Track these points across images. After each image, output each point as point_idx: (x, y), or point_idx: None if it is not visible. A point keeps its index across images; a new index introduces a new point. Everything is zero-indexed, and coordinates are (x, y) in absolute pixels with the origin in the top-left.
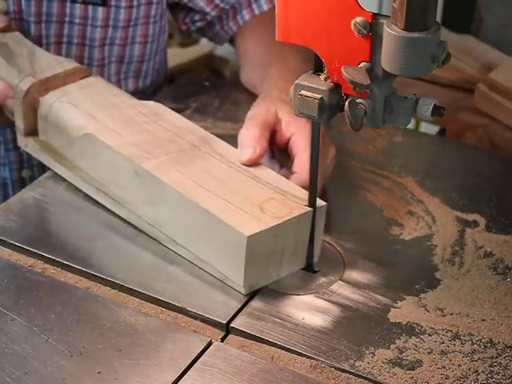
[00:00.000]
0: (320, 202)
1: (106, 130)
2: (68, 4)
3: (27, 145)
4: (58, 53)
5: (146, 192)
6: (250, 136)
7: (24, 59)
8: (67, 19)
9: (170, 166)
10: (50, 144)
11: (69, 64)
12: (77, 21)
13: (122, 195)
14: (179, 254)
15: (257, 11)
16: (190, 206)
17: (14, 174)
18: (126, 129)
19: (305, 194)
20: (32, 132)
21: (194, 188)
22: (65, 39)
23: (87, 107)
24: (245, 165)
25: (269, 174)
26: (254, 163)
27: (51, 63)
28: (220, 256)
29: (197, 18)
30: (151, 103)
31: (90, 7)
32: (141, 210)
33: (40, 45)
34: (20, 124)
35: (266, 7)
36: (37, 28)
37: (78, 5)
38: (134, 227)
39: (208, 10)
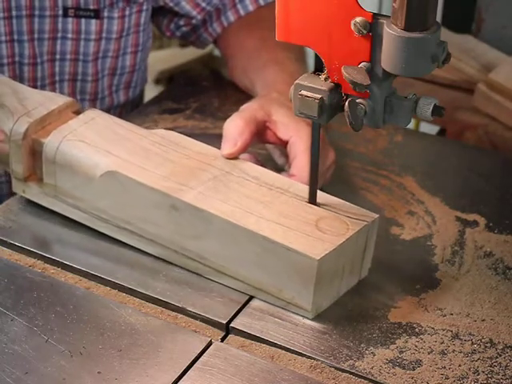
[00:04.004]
0: (372, 215)
1: (128, 165)
2: (60, 19)
3: (25, 190)
4: (52, 70)
5: (188, 226)
6: (233, 128)
7: (11, 98)
8: (60, 35)
9: (210, 195)
10: (59, 187)
11: (60, 99)
12: (70, 36)
13: (155, 231)
14: (227, 286)
15: (242, 12)
16: (244, 235)
17: None
18: (148, 162)
19: (351, 208)
20: (29, 176)
21: (245, 216)
22: (58, 56)
23: (99, 143)
24: (226, 158)
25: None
26: (234, 156)
27: (41, 100)
28: (281, 282)
29: (182, 22)
30: (161, 131)
31: (83, 21)
32: (179, 244)
33: (34, 64)
34: (18, 168)
35: (251, 7)
36: (30, 46)
37: (70, 19)
38: None
39: (194, 13)
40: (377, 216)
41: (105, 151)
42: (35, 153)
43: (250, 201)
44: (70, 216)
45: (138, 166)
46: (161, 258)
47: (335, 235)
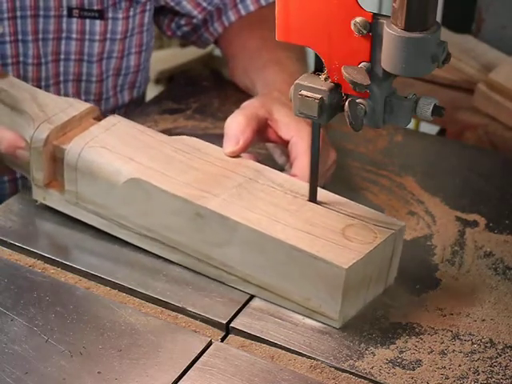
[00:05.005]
0: (399, 223)
1: (151, 172)
2: (65, 19)
3: (46, 197)
4: (57, 71)
5: (212, 234)
6: (235, 126)
7: (30, 104)
8: (64, 35)
9: (235, 203)
10: (80, 193)
11: (80, 105)
12: (74, 36)
13: (178, 239)
14: (251, 294)
15: (243, 12)
16: (270, 244)
17: None
18: (171, 169)
19: (377, 215)
20: (50, 183)
21: (271, 224)
22: (62, 56)
23: (121, 149)
24: (228, 156)
25: (334, 198)
26: (237, 155)
27: (61, 105)
28: (308, 291)
29: (183, 22)
30: (183, 138)
31: (88, 21)
32: (203, 252)
33: (38, 64)
34: (39, 175)
35: (252, 7)
36: (34, 46)
37: (74, 19)
38: None
39: (195, 13)
40: (403, 224)
41: (127, 158)
42: (56, 159)
43: (276, 209)
44: (90, 223)
45: (161, 173)
46: (161, 258)
47: (362, 243)
